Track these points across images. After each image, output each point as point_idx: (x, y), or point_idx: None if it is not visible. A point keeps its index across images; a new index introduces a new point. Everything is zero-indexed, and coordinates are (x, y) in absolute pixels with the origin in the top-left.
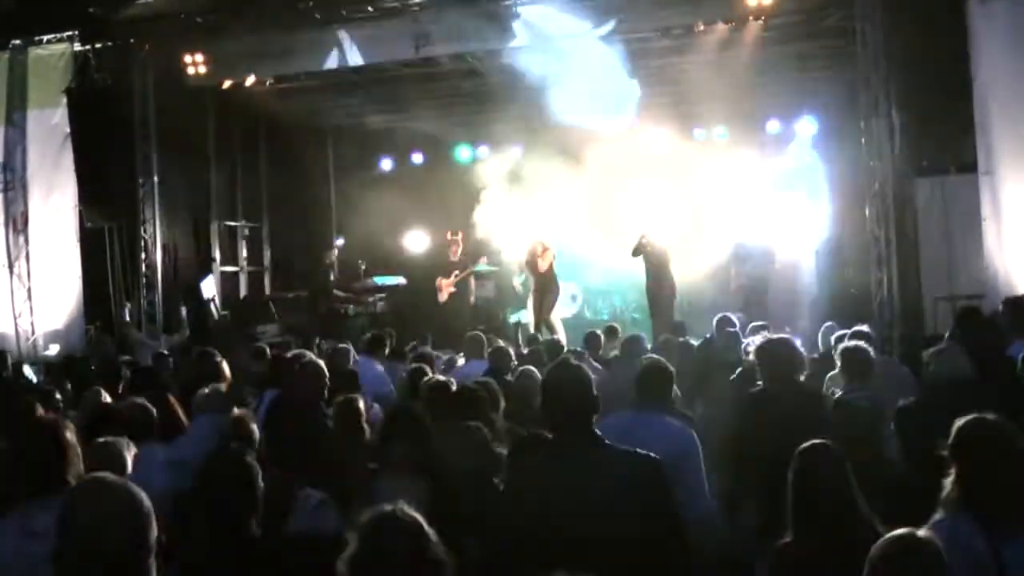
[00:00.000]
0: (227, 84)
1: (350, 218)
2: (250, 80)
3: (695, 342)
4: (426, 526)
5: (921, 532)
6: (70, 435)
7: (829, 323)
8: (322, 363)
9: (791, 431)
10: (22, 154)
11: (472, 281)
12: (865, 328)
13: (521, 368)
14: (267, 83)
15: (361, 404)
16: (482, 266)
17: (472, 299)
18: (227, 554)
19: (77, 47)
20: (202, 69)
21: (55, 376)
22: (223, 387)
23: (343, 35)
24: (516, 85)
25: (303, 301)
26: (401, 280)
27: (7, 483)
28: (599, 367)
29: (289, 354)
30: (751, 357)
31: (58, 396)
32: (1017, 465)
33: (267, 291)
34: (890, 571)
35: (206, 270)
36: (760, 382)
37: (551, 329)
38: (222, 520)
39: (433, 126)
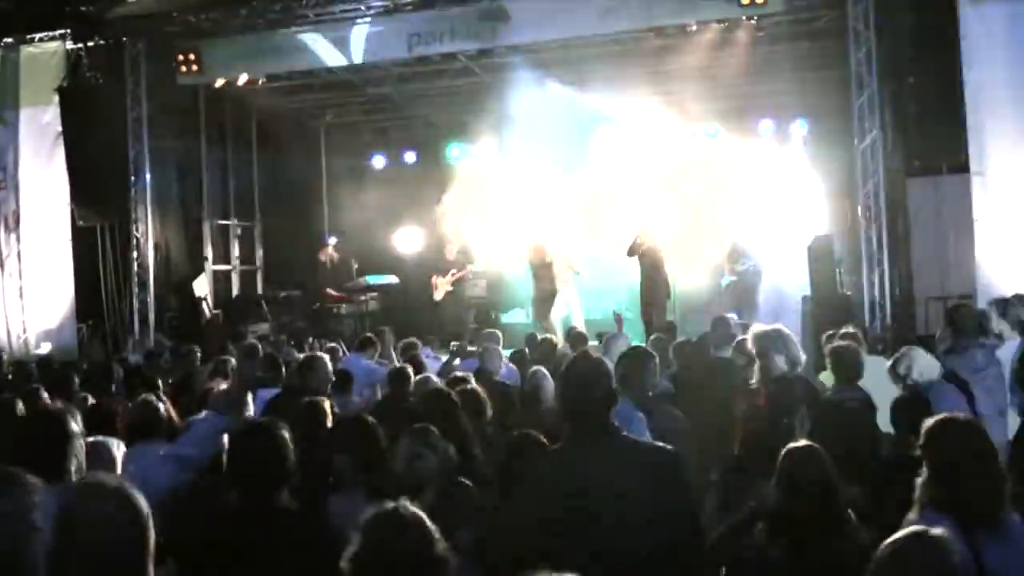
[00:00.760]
0: (219, 83)
1: (343, 217)
2: (242, 79)
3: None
4: (429, 523)
5: (935, 530)
6: (75, 426)
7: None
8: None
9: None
10: (14, 152)
11: (466, 280)
12: (851, 329)
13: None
14: (259, 82)
15: (327, 405)
16: (476, 266)
17: (466, 298)
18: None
19: (69, 45)
20: (194, 68)
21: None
22: (225, 386)
23: (336, 34)
24: (509, 84)
25: (295, 300)
26: (393, 280)
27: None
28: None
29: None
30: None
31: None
32: (987, 465)
33: (259, 290)
34: (902, 568)
35: (198, 269)
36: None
37: (549, 329)
38: (252, 491)
39: (425, 125)
